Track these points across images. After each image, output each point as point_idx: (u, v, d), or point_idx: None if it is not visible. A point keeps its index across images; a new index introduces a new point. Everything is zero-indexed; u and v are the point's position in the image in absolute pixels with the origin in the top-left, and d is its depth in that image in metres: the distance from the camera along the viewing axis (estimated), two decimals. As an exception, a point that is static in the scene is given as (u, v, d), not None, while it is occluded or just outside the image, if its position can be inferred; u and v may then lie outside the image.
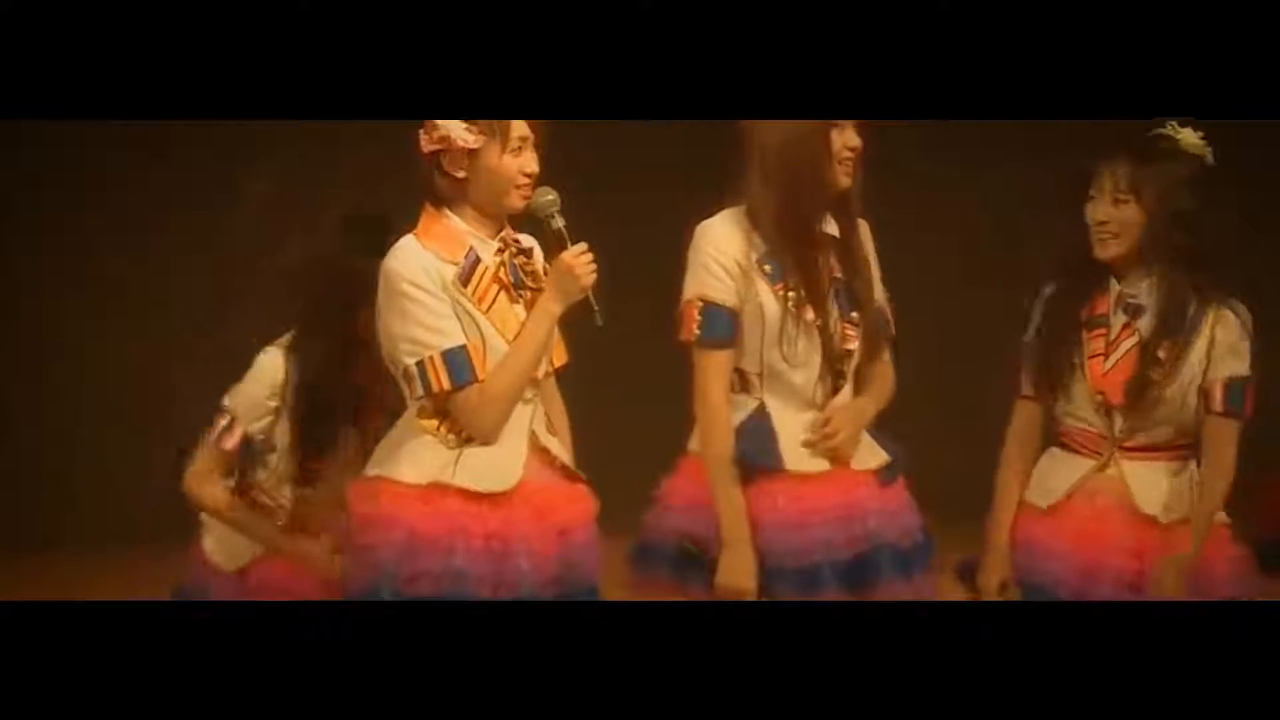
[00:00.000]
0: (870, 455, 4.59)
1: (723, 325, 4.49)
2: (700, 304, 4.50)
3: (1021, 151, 7.75)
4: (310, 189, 6.82)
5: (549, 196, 4.35)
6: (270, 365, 4.69)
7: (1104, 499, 4.64)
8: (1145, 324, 4.61)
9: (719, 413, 4.50)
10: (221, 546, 4.76)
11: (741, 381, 4.55)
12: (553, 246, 4.36)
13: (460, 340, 4.29)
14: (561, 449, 4.46)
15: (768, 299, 4.50)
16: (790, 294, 4.49)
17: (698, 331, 4.50)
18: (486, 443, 4.33)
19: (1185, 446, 4.67)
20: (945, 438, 6.80)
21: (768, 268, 4.49)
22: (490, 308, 4.34)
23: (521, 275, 4.38)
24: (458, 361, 4.29)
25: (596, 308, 4.34)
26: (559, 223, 4.35)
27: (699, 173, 4.45)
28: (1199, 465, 4.66)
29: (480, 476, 4.32)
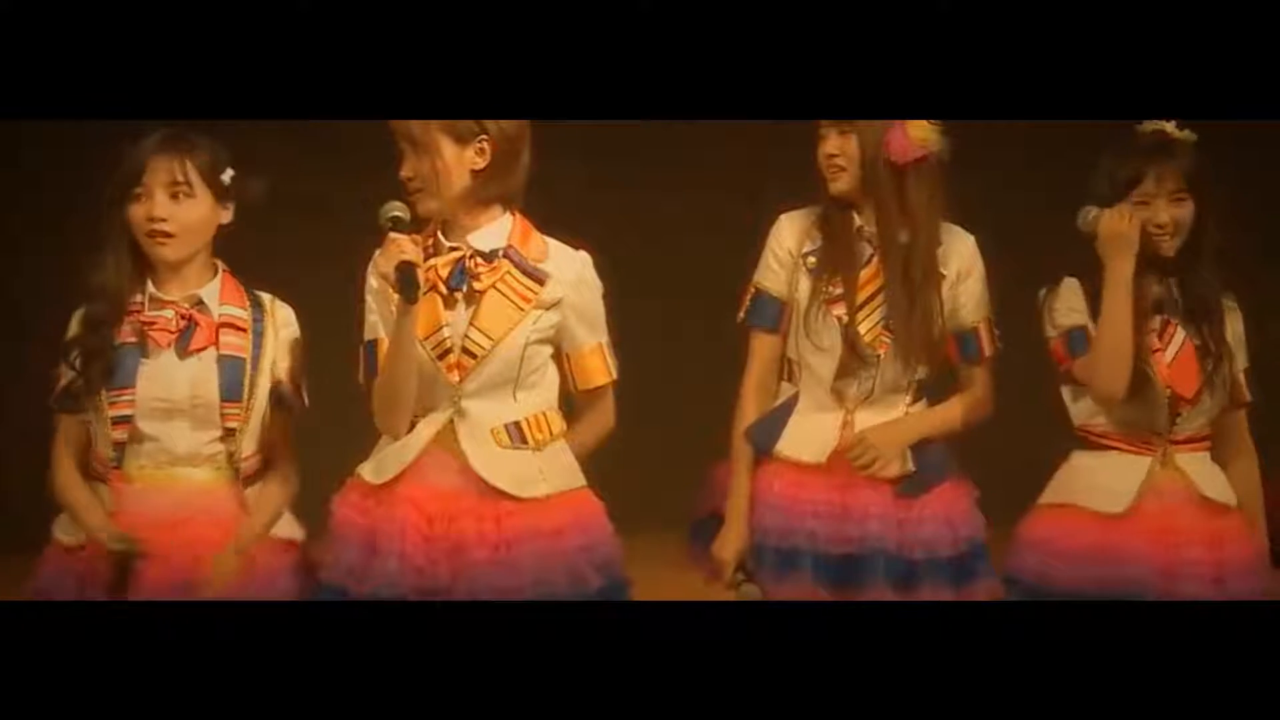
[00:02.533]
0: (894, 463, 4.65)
1: (767, 312, 4.69)
2: (753, 290, 4.71)
3: (1030, 152, 7.73)
4: (310, 189, 6.83)
5: (391, 213, 4.33)
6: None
7: (1171, 494, 4.65)
8: (1185, 317, 4.65)
9: (747, 393, 4.72)
10: (63, 520, 4.69)
11: (789, 370, 4.71)
12: None
13: (372, 336, 4.41)
14: (487, 465, 4.37)
15: (804, 290, 4.64)
16: (825, 289, 4.63)
17: (742, 315, 4.72)
18: (394, 437, 4.41)
19: (1209, 437, 4.71)
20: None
21: (811, 260, 4.65)
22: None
23: (468, 278, 4.38)
24: (368, 356, 4.43)
25: (399, 293, 4.27)
26: (387, 226, 4.32)
27: (718, 173, 4.47)
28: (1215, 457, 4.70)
29: (373, 469, 4.42)
